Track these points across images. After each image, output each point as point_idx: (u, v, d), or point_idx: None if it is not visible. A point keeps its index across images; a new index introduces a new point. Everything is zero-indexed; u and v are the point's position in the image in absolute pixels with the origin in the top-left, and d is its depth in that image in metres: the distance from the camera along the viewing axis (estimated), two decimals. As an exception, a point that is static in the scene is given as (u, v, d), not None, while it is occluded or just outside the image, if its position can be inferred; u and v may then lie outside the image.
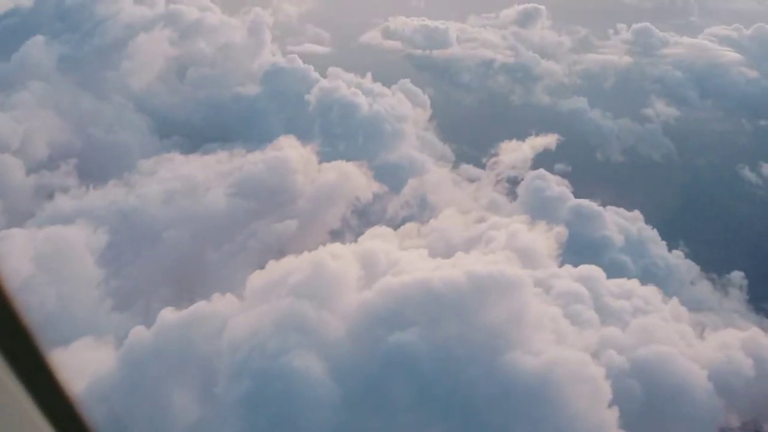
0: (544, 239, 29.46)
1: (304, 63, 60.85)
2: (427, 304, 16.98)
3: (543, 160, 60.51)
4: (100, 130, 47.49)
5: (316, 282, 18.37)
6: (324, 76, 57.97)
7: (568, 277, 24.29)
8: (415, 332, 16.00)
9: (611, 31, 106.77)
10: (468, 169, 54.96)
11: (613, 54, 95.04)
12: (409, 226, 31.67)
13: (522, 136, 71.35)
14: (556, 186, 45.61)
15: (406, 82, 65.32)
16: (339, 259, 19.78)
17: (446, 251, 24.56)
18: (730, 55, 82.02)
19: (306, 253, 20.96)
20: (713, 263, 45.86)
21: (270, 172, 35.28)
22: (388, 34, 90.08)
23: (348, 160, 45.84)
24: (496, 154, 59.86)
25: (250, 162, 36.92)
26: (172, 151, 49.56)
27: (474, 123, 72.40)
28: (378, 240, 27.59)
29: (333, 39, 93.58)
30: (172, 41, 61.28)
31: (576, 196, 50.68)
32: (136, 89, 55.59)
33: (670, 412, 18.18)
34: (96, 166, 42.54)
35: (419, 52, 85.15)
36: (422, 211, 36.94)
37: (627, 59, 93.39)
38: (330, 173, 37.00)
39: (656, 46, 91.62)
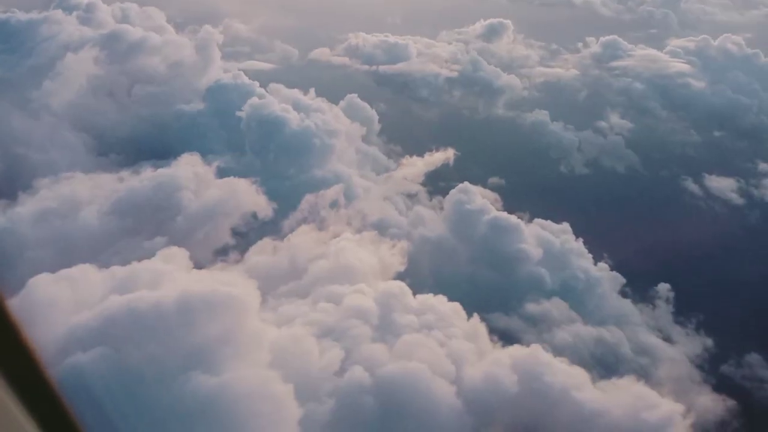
0: (372, 255, 29.10)
1: (252, 79, 61.13)
2: (126, 324, 16.62)
3: (487, 172, 60.61)
4: (28, 149, 47.51)
5: (31, 302, 17.95)
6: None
7: (370, 293, 23.85)
8: (97, 353, 15.62)
9: (580, 44, 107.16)
10: (406, 183, 54.61)
11: (576, 67, 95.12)
12: (264, 242, 31.52)
13: (482, 150, 71.87)
14: (480, 199, 45.15)
15: (353, 97, 65.55)
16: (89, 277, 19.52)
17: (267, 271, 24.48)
18: (679, 66, 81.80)
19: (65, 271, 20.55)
20: (642, 275, 45.20)
21: (154, 190, 35.23)
22: (349, 49, 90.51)
23: (268, 175, 46.06)
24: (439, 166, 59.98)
25: (138, 180, 36.91)
26: (108, 168, 49.63)
27: (429, 136, 72.19)
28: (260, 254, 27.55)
29: (298, 55, 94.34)
30: (115, 60, 61.79)
31: (509, 209, 50.76)
32: (75, 108, 55.71)
33: (408, 428, 17.71)
34: (16, 184, 42.43)
35: (379, 67, 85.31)
36: (321, 225, 36.64)
37: (593, 71, 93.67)
38: (216, 191, 36.88)
39: (620, 58, 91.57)
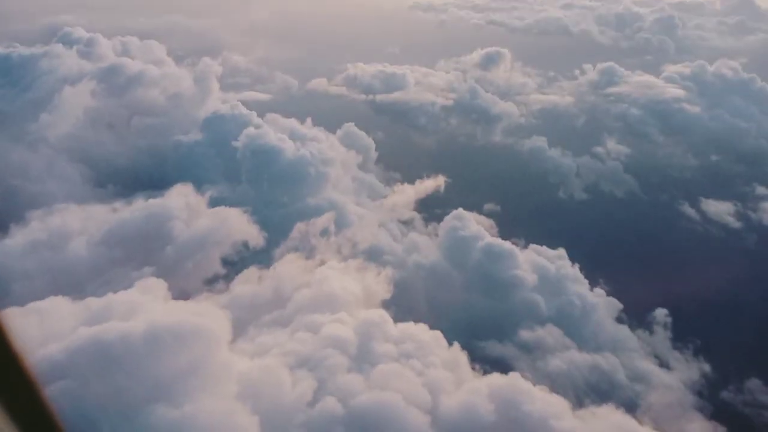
0: (357, 283, 28.96)
1: (250, 110, 61.82)
2: (92, 356, 16.44)
3: (483, 198, 60.67)
4: (24, 181, 47.88)
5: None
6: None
7: (350, 322, 23.60)
8: (60, 387, 15.39)
9: (577, 71, 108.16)
10: (402, 210, 54.70)
11: (573, 94, 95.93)
12: (251, 271, 31.47)
13: (480, 176, 72.20)
14: (474, 226, 45.06)
15: (350, 126, 66.23)
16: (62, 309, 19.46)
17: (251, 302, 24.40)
18: (674, 91, 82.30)
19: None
20: (639, 301, 44.77)
21: (144, 221, 35.37)
22: (347, 80, 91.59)
23: (262, 204, 46.25)
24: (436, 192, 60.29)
25: (129, 210, 37.11)
26: (105, 199, 49.92)
27: (427, 164, 72.44)
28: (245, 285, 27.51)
29: (297, 85, 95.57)
30: (114, 93, 62.70)
31: (504, 236, 50.65)
32: (73, 140, 56.31)
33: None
34: (8, 217, 42.60)
35: (377, 96, 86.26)
36: (310, 254, 36.61)
37: (590, 98, 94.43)
38: (206, 221, 36.98)
39: (616, 84, 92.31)
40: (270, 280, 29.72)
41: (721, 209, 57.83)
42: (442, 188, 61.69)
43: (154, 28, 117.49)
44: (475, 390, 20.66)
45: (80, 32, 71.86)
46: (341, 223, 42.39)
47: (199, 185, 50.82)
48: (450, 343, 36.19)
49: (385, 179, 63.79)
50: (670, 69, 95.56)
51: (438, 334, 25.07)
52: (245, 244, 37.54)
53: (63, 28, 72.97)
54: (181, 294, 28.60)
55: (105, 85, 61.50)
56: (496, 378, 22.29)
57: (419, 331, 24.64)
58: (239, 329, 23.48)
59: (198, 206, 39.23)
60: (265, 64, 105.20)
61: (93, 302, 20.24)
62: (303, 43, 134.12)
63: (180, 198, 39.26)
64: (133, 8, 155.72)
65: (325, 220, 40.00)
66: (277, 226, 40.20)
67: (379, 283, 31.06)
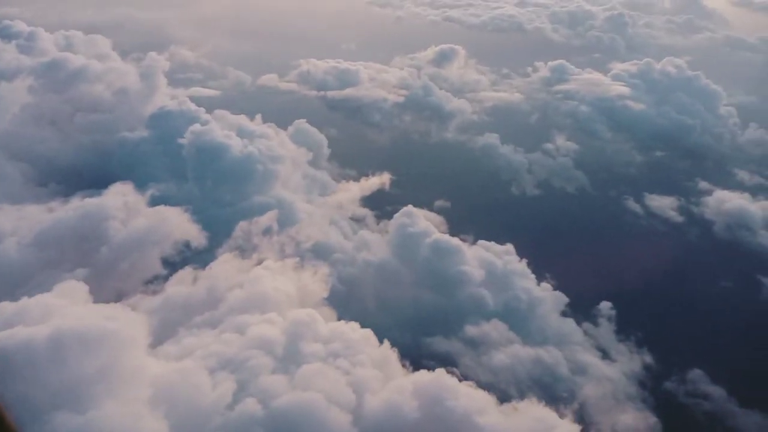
0: (292, 282, 28.81)
1: (199, 106, 60.59)
2: None
3: (435, 194, 60.86)
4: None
5: None
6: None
7: (279, 323, 23.48)
8: None
9: (529, 68, 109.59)
10: (353, 207, 54.51)
11: (525, 91, 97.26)
12: (186, 272, 30.96)
13: (432, 173, 72.44)
14: (423, 222, 45.18)
15: (302, 122, 65.57)
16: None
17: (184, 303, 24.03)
18: (619, 88, 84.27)
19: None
20: (585, 295, 45.61)
21: (79, 221, 34.36)
22: (300, 75, 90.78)
23: (208, 202, 45.51)
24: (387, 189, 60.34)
25: (65, 210, 36.01)
26: (46, 199, 48.20)
27: (380, 160, 72.30)
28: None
29: (250, 81, 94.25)
30: (56, 88, 60.65)
31: (454, 232, 50.99)
32: (12, 138, 54.29)
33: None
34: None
35: (329, 93, 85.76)
36: (251, 253, 36.11)
37: (541, 95, 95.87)
38: (144, 220, 36.14)
39: (566, 81, 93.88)
40: (205, 280, 29.20)
41: (664, 204, 59.39)
42: (395, 185, 61.95)
43: (103, 22, 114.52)
44: (400, 388, 20.67)
45: (21, 26, 69.33)
46: (288, 221, 41.96)
47: (144, 183, 49.63)
48: (398, 340, 36.40)
49: (338, 176, 63.49)
50: (619, 67, 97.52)
51: (369, 332, 24.99)
52: (186, 244, 36.78)
53: (2, 21, 70.21)
54: (118, 295, 27.87)
55: (46, 81, 59.44)
56: (421, 375, 22.33)
57: (349, 329, 24.51)
58: (169, 331, 23.02)
59: (137, 205, 38.25)
60: (217, 59, 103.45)
61: (5, 307, 19.45)
62: (257, 38, 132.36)
63: (118, 197, 38.22)
64: (82, 1, 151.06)
65: (267, 218, 39.47)
66: (222, 225, 39.56)
67: (316, 281, 30.82)
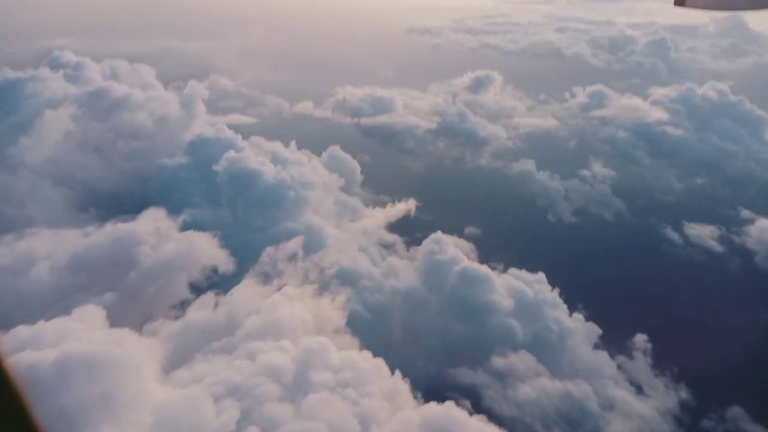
0: (307, 309, 28.67)
1: (237, 133, 62.06)
2: None
3: (466, 221, 60.35)
4: (4, 205, 47.83)
5: None
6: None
7: (291, 350, 23.30)
8: None
9: (567, 94, 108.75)
10: (383, 233, 54.58)
11: (563, 116, 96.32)
12: (208, 297, 31.25)
13: (466, 199, 72.08)
14: (452, 250, 44.83)
15: (336, 149, 66.29)
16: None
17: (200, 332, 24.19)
18: (657, 114, 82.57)
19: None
20: (619, 326, 44.33)
21: (110, 245, 35.26)
22: (336, 102, 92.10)
23: (241, 227, 46.22)
24: (419, 216, 60.25)
25: (98, 235, 37.02)
26: (85, 223, 49.81)
27: (414, 186, 72.37)
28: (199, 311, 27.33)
29: (289, 108, 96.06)
30: (99, 116, 62.97)
31: (484, 260, 50.48)
32: (56, 164, 56.41)
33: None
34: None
35: (364, 119, 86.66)
36: (277, 278, 36.37)
37: (578, 121, 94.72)
38: (173, 246, 36.82)
39: (605, 107, 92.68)
40: (225, 306, 29.48)
41: (703, 233, 57.55)
42: (427, 211, 61.82)
43: (149, 52, 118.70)
44: (407, 420, 20.34)
45: (69, 56, 72.42)
46: (316, 247, 42.21)
47: (180, 209, 50.90)
48: (422, 370, 36.05)
49: (371, 202, 63.73)
50: (659, 92, 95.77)
51: (380, 362, 24.75)
52: (214, 270, 37.34)
53: (52, 52, 73.56)
54: (144, 319, 28.39)
55: (91, 109, 61.76)
56: (430, 408, 21.93)
57: (361, 359, 24.31)
58: (186, 356, 23.27)
59: (168, 231, 39.11)
60: (256, 87, 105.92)
61: (21, 330, 20.01)
62: (297, 66, 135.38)
63: (150, 222, 39.18)
64: (130, 32, 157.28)
65: (294, 244, 39.80)
66: (250, 250, 40.04)
67: (334, 309, 30.77)
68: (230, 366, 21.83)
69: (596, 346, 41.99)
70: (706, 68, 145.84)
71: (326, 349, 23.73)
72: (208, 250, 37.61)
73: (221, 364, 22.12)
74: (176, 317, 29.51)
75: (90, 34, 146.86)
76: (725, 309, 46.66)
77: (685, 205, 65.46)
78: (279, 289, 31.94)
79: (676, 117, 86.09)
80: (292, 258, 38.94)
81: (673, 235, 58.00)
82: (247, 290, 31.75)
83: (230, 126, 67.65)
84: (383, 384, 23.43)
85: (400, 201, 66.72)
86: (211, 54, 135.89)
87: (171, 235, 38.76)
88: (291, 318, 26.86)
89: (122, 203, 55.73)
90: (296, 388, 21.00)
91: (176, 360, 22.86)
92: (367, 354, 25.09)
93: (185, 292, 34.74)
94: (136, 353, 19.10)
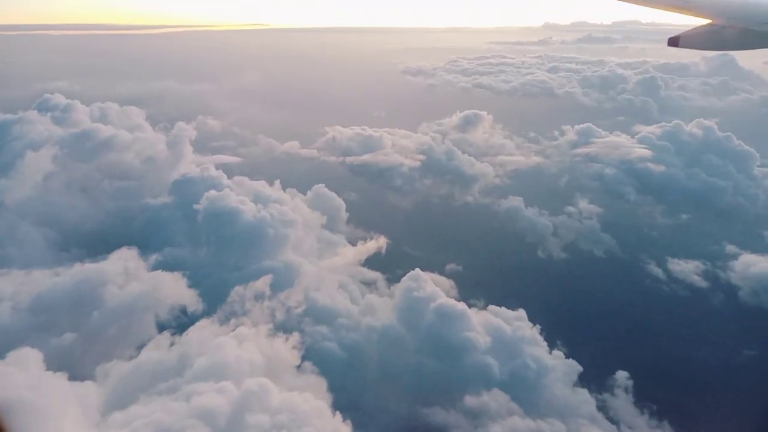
0: (256, 351, 28.25)
1: (225, 173, 62.53)
2: None
3: (449, 258, 60.10)
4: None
5: None
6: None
7: (230, 392, 22.86)
8: None
9: (556, 132, 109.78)
10: (363, 271, 54.39)
11: (552, 154, 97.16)
12: (163, 337, 30.91)
13: (452, 236, 71.95)
14: (431, 287, 44.56)
15: (321, 187, 66.56)
16: None
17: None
18: (641, 151, 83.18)
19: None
20: (600, 363, 43.74)
21: (75, 286, 35.11)
22: (327, 142, 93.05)
23: (218, 267, 46.12)
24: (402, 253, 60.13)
25: (64, 275, 36.90)
26: (65, 263, 49.78)
27: (400, 224, 72.47)
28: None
29: (278, 148, 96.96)
30: (84, 157, 63.67)
31: (464, 297, 50.18)
32: (38, 204, 56.71)
33: None
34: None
35: (351, 158, 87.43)
36: (234, 318, 36.07)
37: (566, 158, 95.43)
38: (140, 285, 36.64)
39: (592, 144, 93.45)
40: (179, 346, 29.16)
41: (687, 268, 57.22)
42: (410, 248, 61.69)
43: (145, 94, 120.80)
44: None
45: (59, 99, 73.57)
46: (287, 286, 41.93)
47: (161, 248, 51.03)
48: (394, 410, 35.40)
49: (355, 239, 63.53)
50: (647, 129, 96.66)
51: (322, 404, 24.27)
52: (183, 310, 37.08)
53: (43, 95, 74.75)
54: (101, 360, 28.01)
55: (76, 150, 62.50)
56: None
57: (301, 400, 23.82)
58: (130, 398, 22.86)
59: (137, 271, 38.98)
60: (249, 127, 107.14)
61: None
62: (292, 107, 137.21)
63: (119, 262, 39.09)
64: (129, 74, 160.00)
65: (262, 283, 39.58)
66: (223, 289, 39.83)
67: (289, 349, 30.36)
68: (164, 408, 21.42)
69: (576, 384, 41.29)
70: (696, 105, 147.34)
71: (267, 390, 23.32)
72: (175, 290, 37.39)
73: (156, 406, 21.73)
74: (131, 358, 29.19)
75: (89, 77, 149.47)
76: (708, 345, 46.08)
77: (670, 240, 65.26)
78: (235, 329, 31.63)
79: (660, 154, 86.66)
80: (259, 297, 38.67)
81: (657, 271, 57.67)
82: (202, 330, 31.42)
83: (218, 166, 68.29)
84: (323, 426, 22.94)
85: (385, 238, 66.80)
86: (207, 95, 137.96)
87: (139, 275, 38.58)
88: (237, 359, 26.49)
89: (107, 243, 55.70)
90: (229, 430, 20.56)
91: (118, 402, 22.48)
92: (308, 395, 24.61)
93: (152, 333, 34.40)
94: (64, 398, 18.74)
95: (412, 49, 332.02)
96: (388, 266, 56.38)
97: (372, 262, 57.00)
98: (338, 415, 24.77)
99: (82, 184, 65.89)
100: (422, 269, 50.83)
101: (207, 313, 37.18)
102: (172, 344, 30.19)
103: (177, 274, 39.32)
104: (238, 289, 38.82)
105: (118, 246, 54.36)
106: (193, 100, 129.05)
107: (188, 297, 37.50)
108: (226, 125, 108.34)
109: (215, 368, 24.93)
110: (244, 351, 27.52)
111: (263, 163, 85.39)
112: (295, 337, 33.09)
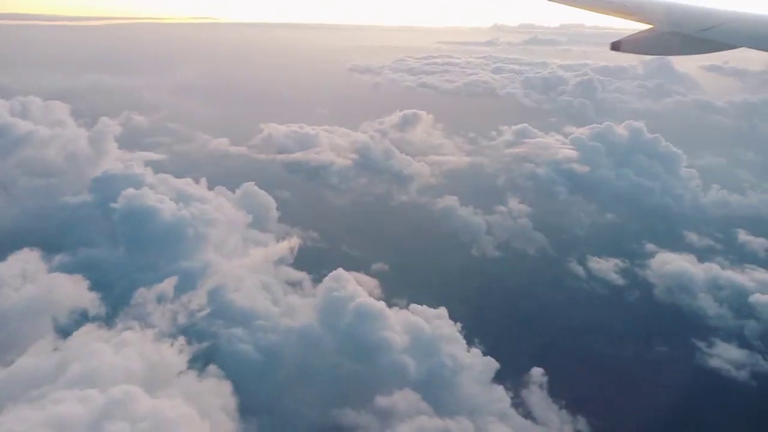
0: (134, 357, 27.61)
1: (153, 170, 60.81)
2: None
3: (377, 257, 60.02)
4: None
5: None
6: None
7: (94, 400, 22.24)
8: None
9: (494, 132, 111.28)
10: (288, 271, 53.77)
11: (488, 154, 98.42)
12: (46, 341, 29.82)
13: (389, 234, 71.92)
14: (352, 286, 44.35)
15: (250, 185, 65.52)
16: None
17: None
18: (568, 152, 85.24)
19: None
20: (517, 360, 44.37)
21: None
22: (263, 140, 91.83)
23: (132, 267, 44.77)
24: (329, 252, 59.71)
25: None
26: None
27: (333, 223, 71.94)
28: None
29: (212, 145, 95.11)
30: (2, 153, 60.99)
31: (388, 296, 50.23)
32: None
33: None
34: None
35: (287, 156, 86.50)
36: (146, 321, 35.05)
37: (502, 158, 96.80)
38: (36, 288, 35.25)
39: (526, 145, 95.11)
40: (60, 352, 28.06)
41: (606, 266, 58.77)
42: (345, 247, 61.30)
43: (74, 88, 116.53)
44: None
45: (-25, 92, 70.25)
46: (195, 288, 40.96)
47: (76, 248, 49.30)
48: (304, 413, 35.02)
49: (285, 238, 62.79)
50: (579, 130, 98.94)
51: (191, 411, 23.73)
52: (83, 313, 35.74)
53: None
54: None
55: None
56: None
57: (169, 407, 23.21)
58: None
59: (35, 273, 37.40)
60: (185, 123, 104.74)
61: None
62: (232, 104, 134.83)
63: (17, 264, 37.45)
64: (60, 67, 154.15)
65: (166, 284, 38.56)
66: (132, 291, 38.61)
67: (174, 354, 29.64)
68: (17, 417, 20.46)
69: (492, 381, 41.72)
70: (632, 107, 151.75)
71: (132, 398, 22.57)
72: (74, 293, 36.00)
73: (10, 416, 20.75)
74: (11, 363, 27.91)
75: (18, 69, 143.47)
76: (621, 341, 47.36)
77: (593, 239, 66.85)
78: (119, 333, 30.63)
79: (591, 154, 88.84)
80: (161, 299, 37.63)
81: (578, 269, 59.00)
82: (87, 335, 30.33)
83: (147, 163, 66.45)
84: (187, 432, 22.37)
85: (316, 237, 66.38)
86: (143, 89, 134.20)
87: (36, 278, 37.03)
88: (111, 366, 25.60)
89: (21, 242, 53.49)
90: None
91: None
92: (177, 402, 23.96)
93: (50, 337, 32.94)
94: None
95: (363, 47, 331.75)
96: (317, 266, 55.79)
97: (300, 261, 56.38)
98: (207, 422, 24.10)
99: (1, 182, 63.25)
100: (350, 269, 50.76)
101: (110, 316, 35.96)
102: (55, 349, 28.97)
103: (78, 277, 37.88)
104: (141, 291, 37.67)
105: (34, 245, 52.40)
106: (126, 95, 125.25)
107: (88, 300, 36.16)
108: (161, 120, 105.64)
109: (87, 375, 24.01)
110: (121, 357, 26.61)
111: (195, 160, 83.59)
112: (182, 340, 32.17)
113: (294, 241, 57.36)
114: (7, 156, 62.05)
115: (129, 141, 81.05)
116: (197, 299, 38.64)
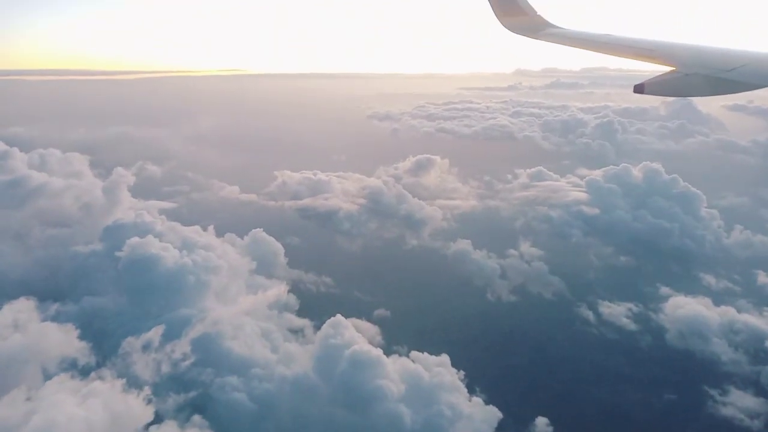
0: (98, 408, 27.10)
1: (165, 218, 61.83)
2: None
3: (377, 303, 59.27)
4: None
5: None
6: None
7: None
8: None
9: (510, 176, 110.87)
10: (291, 318, 53.39)
11: (504, 197, 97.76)
12: (20, 391, 29.58)
13: (400, 280, 71.20)
14: (351, 333, 43.72)
15: (258, 231, 65.95)
16: None
17: None
18: (577, 194, 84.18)
19: None
20: (521, 409, 42.86)
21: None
22: (277, 187, 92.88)
23: (130, 316, 44.91)
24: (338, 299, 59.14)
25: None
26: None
27: (344, 269, 71.59)
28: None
29: (228, 193, 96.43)
30: (16, 205, 62.62)
31: (389, 343, 49.45)
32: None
33: None
34: None
35: (302, 202, 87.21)
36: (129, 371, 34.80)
37: (517, 201, 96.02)
38: (25, 338, 35.34)
39: (535, 188, 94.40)
40: (32, 402, 27.83)
41: (617, 311, 57.03)
42: (353, 293, 60.75)
43: (97, 139, 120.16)
44: None
45: None
46: (179, 337, 40.68)
47: (80, 297, 49.88)
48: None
49: (293, 286, 62.64)
50: (595, 172, 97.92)
51: None
52: (73, 363, 35.70)
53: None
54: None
55: (6, 197, 61.46)
56: None
57: None
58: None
59: (27, 323, 37.68)
60: (202, 171, 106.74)
61: None
62: (251, 152, 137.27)
63: (10, 314, 37.83)
64: (87, 120, 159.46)
65: (153, 333, 38.41)
66: (123, 340, 38.57)
67: (141, 405, 29.19)
68: None
69: (494, 431, 40.30)
70: (652, 149, 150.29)
71: None
72: (63, 342, 36.09)
73: None
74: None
75: (48, 123, 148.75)
76: (629, 389, 45.47)
77: (606, 283, 65.18)
78: (92, 383, 30.39)
79: (603, 196, 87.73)
80: (146, 348, 37.45)
81: (588, 314, 57.39)
82: (60, 385, 30.14)
83: (161, 211, 67.54)
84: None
85: (325, 282, 66.09)
86: (164, 140, 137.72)
87: (27, 327, 37.30)
88: (71, 418, 25.23)
89: (31, 291, 54.29)
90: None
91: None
92: None
93: (25, 387, 32.81)
94: None
95: (384, 95, 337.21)
96: (320, 312, 55.34)
97: (305, 307, 56.11)
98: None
99: (16, 232, 64.77)
100: (356, 314, 50.25)
101: (100, 365, 35.89)
102: (27, 399, 28.84)
103: (69, 326, 38.00)
104: (129, 340, 37.63)
105: (44, 294, 53.14)
106: (147, 146, 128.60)
107: (77, 349, 36.21)
108: (177, 169, 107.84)
109: (46, 428, 23.71)
110: (83, 408, 26.30)
111: (207, 208, 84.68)
112: (147, 391, 31.75)
113: (307, 288, 57.04)
114: (23, 207, 63.76)
115: (144, 190, 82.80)
116: (182, 348, 38.38)
